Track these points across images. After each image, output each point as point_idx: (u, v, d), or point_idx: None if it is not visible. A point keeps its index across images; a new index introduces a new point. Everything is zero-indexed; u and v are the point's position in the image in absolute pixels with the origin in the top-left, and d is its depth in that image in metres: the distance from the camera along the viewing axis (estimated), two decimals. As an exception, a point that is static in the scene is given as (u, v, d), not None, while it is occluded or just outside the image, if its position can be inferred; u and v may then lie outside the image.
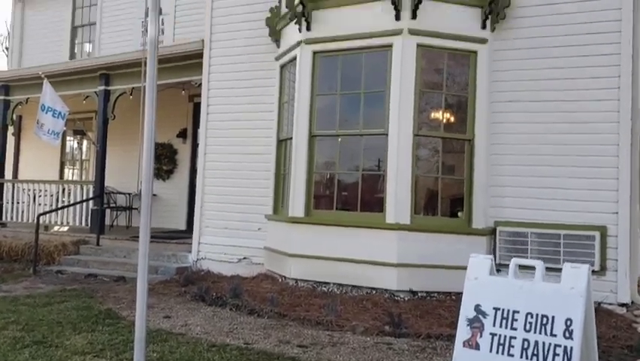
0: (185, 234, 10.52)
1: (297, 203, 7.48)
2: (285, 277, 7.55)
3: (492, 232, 7.04)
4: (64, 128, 10.82)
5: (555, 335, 2.81)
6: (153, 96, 4.01)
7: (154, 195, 12.15)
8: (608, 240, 6.52)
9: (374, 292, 6.80)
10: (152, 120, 3.94)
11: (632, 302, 6.46)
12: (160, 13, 12.03)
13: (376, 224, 6.95)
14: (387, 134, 6.98)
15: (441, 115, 7.29)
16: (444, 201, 7.35)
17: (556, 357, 2.71)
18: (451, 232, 6.96)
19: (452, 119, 7.36)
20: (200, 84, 9.22)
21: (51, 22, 14.82)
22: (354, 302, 6.43)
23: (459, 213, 7.20)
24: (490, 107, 7.14)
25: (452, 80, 7.37)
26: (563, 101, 6.84)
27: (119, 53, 10.94)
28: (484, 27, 7.12)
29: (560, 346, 2.76)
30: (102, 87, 10.67)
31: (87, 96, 11.07)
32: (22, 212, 11.65)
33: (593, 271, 6.32)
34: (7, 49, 25.03)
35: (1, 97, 12.14)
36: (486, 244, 6.99)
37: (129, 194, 12.28)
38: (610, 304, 6.40)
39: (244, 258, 8.51)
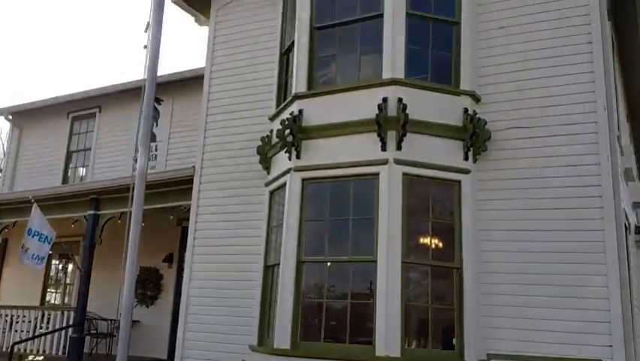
0: (166, 364, 10.06)
1: (282, 333, 7.22)
2: (269, 415, 7.11)
3: (485, 366, 6.78)
4: (50, 252, 10.70)
5: None
6: (138, 226, 4.01)
7: (137, 321, 11.74)
8: (606, 375, 6.28)
9: None
10: (135, 245, 3.90)
11: None
12: (154, 140, 12.43)
13: (365, 357, 6.68)
14: (376, 261, 6.93)
15: (429, 242, 7.30)
16: (435, 331, 7.14)
17: None
18: (442, 365, 6.69)
19: (440, 245, 7.36)
20: (189, 209, 9.28)
21: (47, 146, 15.19)
22: None
23: (452, 342, 6.96)
24: (477, 235, 7.18)
25: (438, 207, 7.47)
26: (549, 230, 6.89)
27: (109, 179, 11.13)
28: (466, 158, 7.34)
29: None
30: (92, 212, 10.71)
31: (76, 220, 11.07)
32: (-4, 339, 11.19)
33: (593, 410, 6.01)
34: (0, 170, 25.43)
35: (-12, 221, 12.11)
36: (479, 378, 6.71)
37: (111, 320, 11.87)
38: None
39: (227, 392, 8.06)
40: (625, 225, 7.16)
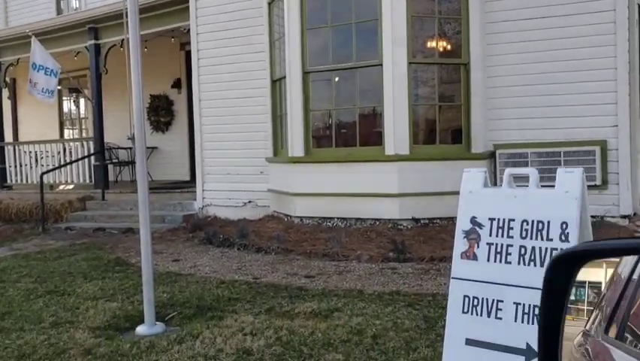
0: (190, 184, 10.57)
1: (295, 143, 7.46)
2: (290, 216, 7.62)
3: (492, 156, 7.05)
4: (59, 87, 10.72)
5: (551, 240, 2.82)
6: (137, 39, 3.95)
7: (155, 147, 12.15)
8: (609, 154, 6.52)
9: (377, 223, 6.87)
10: (137, 60, 3.90)
11: (635, 213, 6.52)
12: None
13: (376, 157, 6.95)
14: (381, 65, 6.89)
15: (435, 41, 7.17)
16: (442, 129, 7.32)
17: (553, 260, 2.75)
18: (450, 158, 6.95)
19: (446, 44, 7.24)
20: (189, 30, 9.06)
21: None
22: (359, 234, 6.52)
23: (460, 137, 7.18)
24: (484, 28, 7.00)
25: (444, 4, 7.20)
26: (558, 16, 6.69)
27: (103, 5, 10.72)
28: (473, -56, 6.91)
29: (556, 249, 2.77)
30: (92, 41, 10.49)
31: (78, 52, 10.90)
32: (27, 175, 11.70)
33: (595, 186, 6.37)
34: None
35: (-8, 59, 11.99)
36: (486, 167, 6.99)
37: (130, 148, 12.27)
38: (613, 217, 6.45)
39: (249, 201, 8.57)
40: (638, 5, 6.88)
